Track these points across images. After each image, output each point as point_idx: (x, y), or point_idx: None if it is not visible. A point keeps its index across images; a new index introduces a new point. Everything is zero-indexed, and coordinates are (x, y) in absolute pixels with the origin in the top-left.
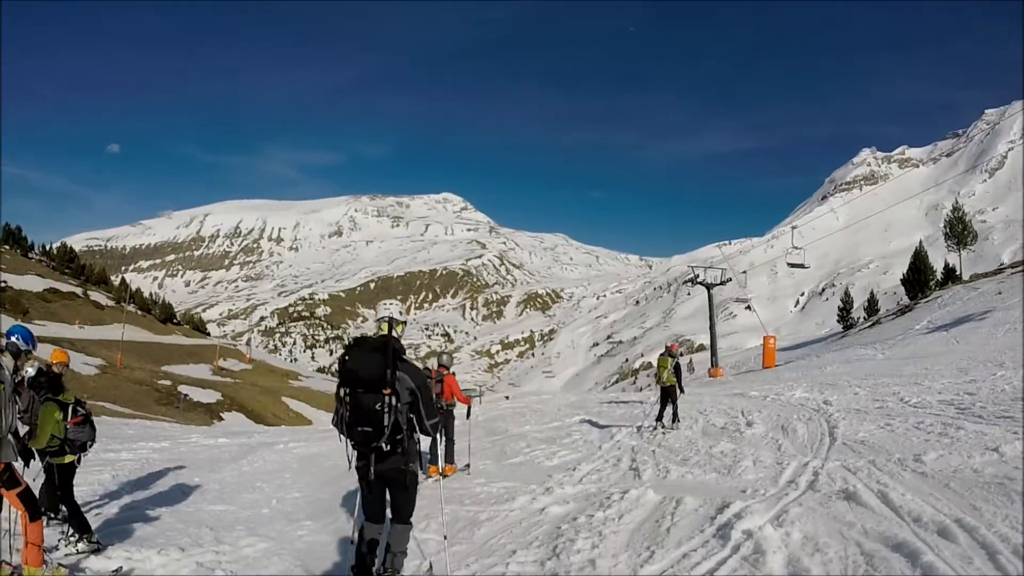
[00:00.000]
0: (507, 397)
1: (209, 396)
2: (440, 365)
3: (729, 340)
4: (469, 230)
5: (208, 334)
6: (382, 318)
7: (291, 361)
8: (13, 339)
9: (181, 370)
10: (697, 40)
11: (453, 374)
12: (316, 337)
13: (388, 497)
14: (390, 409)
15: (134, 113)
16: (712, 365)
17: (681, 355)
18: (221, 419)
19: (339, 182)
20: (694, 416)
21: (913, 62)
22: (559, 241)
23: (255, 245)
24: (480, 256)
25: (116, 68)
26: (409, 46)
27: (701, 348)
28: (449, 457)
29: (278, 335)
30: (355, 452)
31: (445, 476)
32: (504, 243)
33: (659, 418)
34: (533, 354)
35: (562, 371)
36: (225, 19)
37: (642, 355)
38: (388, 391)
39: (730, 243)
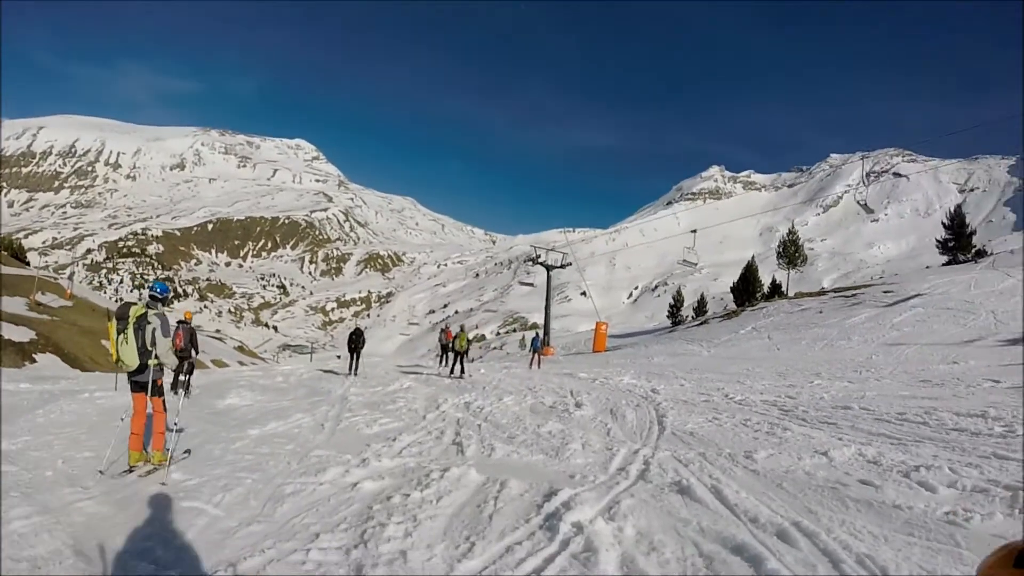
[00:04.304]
0: (338, 356)
1: (22, 334)
2: (536, 334)
3: (562, 322)
4: (317, 180)
5: (28, 264)
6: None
7: (116, 301)
8: (159, 291)
9: None
10: (574, 36)
11: (538, 335)
12: (145, 276)
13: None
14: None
15: None
16: (544, 344)
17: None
18: (34, 361)
19: (191, 113)
20: (523, 392)
21: (775, 99)
22: (407, 204)
23: (90, 168)
24: (326, 209)
25: None
26: None
27: (535, 326)
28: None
29: (104, 271)
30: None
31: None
32: (352, 199)
33: (451, 371)
34: (369, 315)
35: (395, 335)
36: None
37: (476, 327)
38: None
39: (574, 231)
